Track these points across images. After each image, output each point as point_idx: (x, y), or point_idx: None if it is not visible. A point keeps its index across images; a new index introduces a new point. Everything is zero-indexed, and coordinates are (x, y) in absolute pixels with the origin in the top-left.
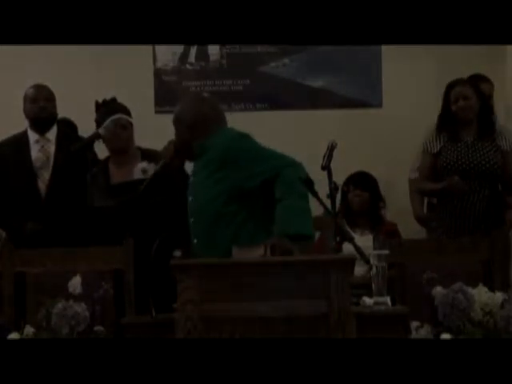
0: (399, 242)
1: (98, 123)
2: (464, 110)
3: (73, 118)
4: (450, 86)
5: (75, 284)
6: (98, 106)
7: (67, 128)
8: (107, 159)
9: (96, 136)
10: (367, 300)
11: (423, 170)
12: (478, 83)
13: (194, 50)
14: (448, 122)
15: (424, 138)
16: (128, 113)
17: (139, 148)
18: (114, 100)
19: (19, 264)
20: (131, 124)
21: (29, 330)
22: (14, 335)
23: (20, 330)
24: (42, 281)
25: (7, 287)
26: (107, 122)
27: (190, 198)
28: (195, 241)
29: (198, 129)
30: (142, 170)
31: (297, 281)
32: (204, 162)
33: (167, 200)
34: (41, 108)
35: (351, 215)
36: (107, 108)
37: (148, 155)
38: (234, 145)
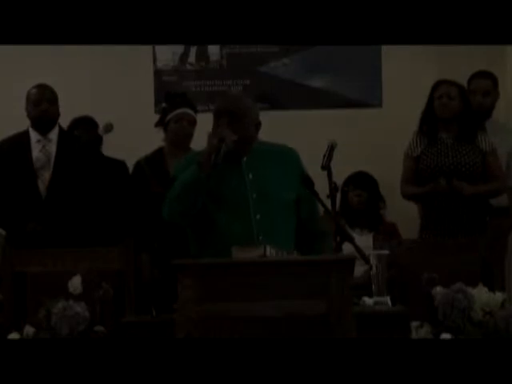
0: (399, 241)
1: (165, 112)
2: (444, 108)
3: (72, 119)
4: (437, 84)
5: (75, 284)
6: (168, 95)
7: (87, 126)
8: (161, 150)
9: (109, 128)
10: (367, 300)
11: (405, 173)
12: (475, 80)
13: (193, 50)
14: (429, 120)
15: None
16: (195, 110)
17: (191, 149)
18: (184, 94)
19: (19, 264)
20: (196, 122)
21: (29, 329)
22: (13, 335)
23: (20, 330)
24: (41, 281)
25: (7, 287)
26: (176, 112)
27: (254, 195)
28: (260, 238)
29: (258, 129)
30: None
31: (297, 281)
32: (274, 163)
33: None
34: (43, 111)
35: (351, 215)
36: (177, 100)
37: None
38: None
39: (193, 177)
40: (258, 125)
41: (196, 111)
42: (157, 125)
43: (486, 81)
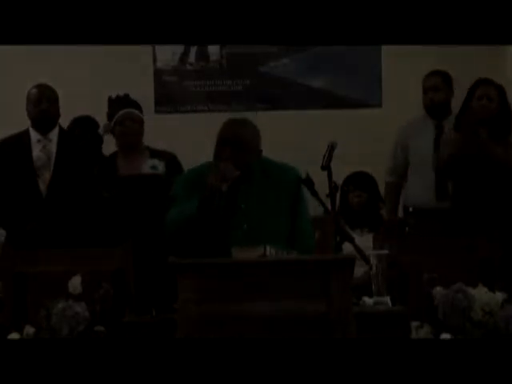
0: (399, 242)
1: (110, 117)
2: (483, 110)
3: (72, 118)
4: (476, 85)
5: (75, 284)
6: (110, 101)
7: (88, 126)
8: (115, 154)
9: (108, 128)
10: (367, 300)
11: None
12: (427, 77)
13: (193, 50)
14: (467, 118)
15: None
16: (140, 109)
17: (148, 147)
18: (126, 96)
19: (19, 264)
20: (142, 120)
21: (29, 329)
22: (13, 335)
23: (20, 330)
24: (42, 281)
25: (7, 287)
26: (118, 114)
27: (245, 226)
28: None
29: (260, 156)
30: (151, 166)
31: (297, 281)
32: (270, 189)
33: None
34: (43, 111)
35: (351, 215)
36: (119, 103)
37: (157, 154)
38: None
39: (192, 216)
40: (259, 152)
41: (141, 110)
42: (104, 132)
43: (437, 78)
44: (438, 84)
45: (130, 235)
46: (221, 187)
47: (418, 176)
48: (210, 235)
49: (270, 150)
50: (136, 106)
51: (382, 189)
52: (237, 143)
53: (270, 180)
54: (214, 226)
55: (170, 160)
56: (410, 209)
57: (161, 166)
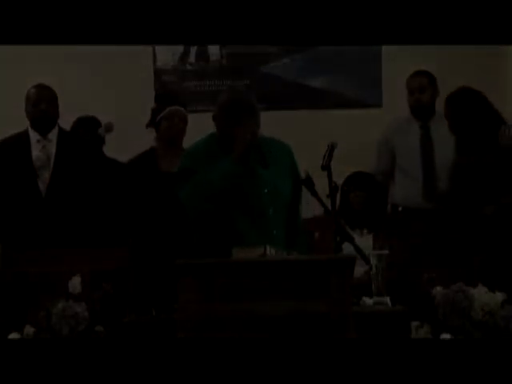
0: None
1: (156, 112)
2: None
3: (73, 118)
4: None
5: (75, 284)
6: (158, 96)
7: (91, 126)
8: (153, 149)
9: (109, 127)
10: (367, 300)
11: None
12: (411, 78)
13: (193, 50)
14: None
15: None
16: (186, 109)
17: (183, 148)
18: (175, 92)
19: (19, 264)
20: (187, 120)
21: (29, 329)
22: (13, 335)
23: (20, 330)
24: (41, 281)
25: (7, 287)
26: (167, 110)
27: (266, 190)
28: (275, 232)
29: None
30: None
31: (297, 281)
32: (274, 158)
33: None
34: (42, 111)
35: (351, 215)
36: (168, 98)
37: None
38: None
39: (233, 171)
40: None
41: (186, 110)
42: (148, 125)
43: (422, 78)
44: (423, 85)
45: (131, 235)
46: (252, 141)
47: (406, 176)
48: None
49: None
50: (183, 104)
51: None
52: (248, 106)
53: (272, 152)
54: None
55: None
56: (400, 208)
57: None
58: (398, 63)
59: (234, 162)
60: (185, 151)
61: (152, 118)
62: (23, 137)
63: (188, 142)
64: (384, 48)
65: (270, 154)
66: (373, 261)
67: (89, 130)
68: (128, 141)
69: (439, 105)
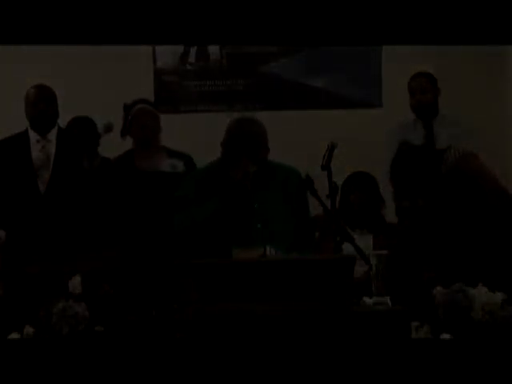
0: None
1: (126, 118)
2: None
3: (71, 118)
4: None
5: (75, 284)
6: (125, 106)
7: (85, 126)
8: (131, 151)
9: (109, 127)
10: (367, 300)
11: None
12: (413, 80)
13: (193, 50)
14: None
15: None
16: (154, 107)
17: (164, 147)
18: (141, 99)
19: (19, 264)
20: (157, 116)
21: (29, 329)
22: (13, 335)
23: (20, 330)
24: (41, 281)
25: (7, 287)
26: (132, 110)
27: (259, 225)
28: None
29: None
30: (171, 165)
31: (297, 281)
32: (277, 184)
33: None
34: (41, 111)
35: (351, 215)
36: (133, 104)
37: (175, 154)
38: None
39: (214, 213)
40: (268, 150)
41: (156, 109)
42: (123, 134)
43: (423, 79)
44: (424, 85)
45: (130, 235)
46: (246, 183)
47: None
48: (223, 234)
49: (270, 150)
50: (150, 103)
51: (381, 189)
52: (251, 140)
53: (276, 180)
54: (229, 225)
55: (188, 160)
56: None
57: (180, 166)
58: (398, 63)
59: (222, 202)
60: (187, 176)
61: (124, 125)
62: (23, 137)
63: (188, 141)
64: (384, 48)
65: (274, 180)
66: (373, 261)
67: (83, 130)
68: (127, 141)
69: (442, 104)
